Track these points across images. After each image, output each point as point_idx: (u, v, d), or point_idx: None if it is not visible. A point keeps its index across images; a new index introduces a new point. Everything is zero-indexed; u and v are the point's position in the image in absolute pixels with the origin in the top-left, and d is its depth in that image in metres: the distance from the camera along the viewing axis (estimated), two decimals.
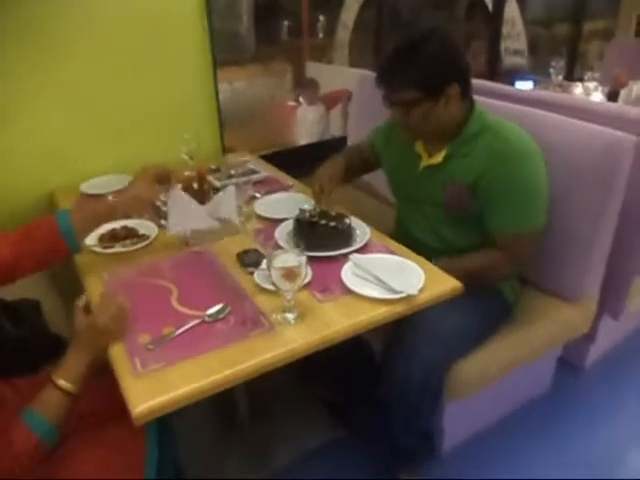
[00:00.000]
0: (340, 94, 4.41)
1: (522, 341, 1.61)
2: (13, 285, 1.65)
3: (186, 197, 1.41)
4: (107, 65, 1.86)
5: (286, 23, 5.69)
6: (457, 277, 1.28)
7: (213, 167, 1.86)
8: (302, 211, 1.46)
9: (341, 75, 4.98)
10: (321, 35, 5.83)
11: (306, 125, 4.26)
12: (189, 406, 0.98)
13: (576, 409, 1.93)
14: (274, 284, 1.10)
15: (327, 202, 1.53)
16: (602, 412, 1.92)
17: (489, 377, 1.57)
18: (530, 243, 1.47)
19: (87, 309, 1.14)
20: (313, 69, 5.20)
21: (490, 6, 4.08)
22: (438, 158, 1.49)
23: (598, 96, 2.69)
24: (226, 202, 1.46)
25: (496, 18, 3.19)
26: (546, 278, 1.72)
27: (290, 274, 1.07)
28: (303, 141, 4.13)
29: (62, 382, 1.04)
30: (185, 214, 1.39)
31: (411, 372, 1.41)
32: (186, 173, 1.66)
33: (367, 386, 1.83)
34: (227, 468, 1.70)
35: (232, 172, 1.71)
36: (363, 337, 1.72)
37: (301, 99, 4.41)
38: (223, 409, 1.84)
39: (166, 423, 1.28)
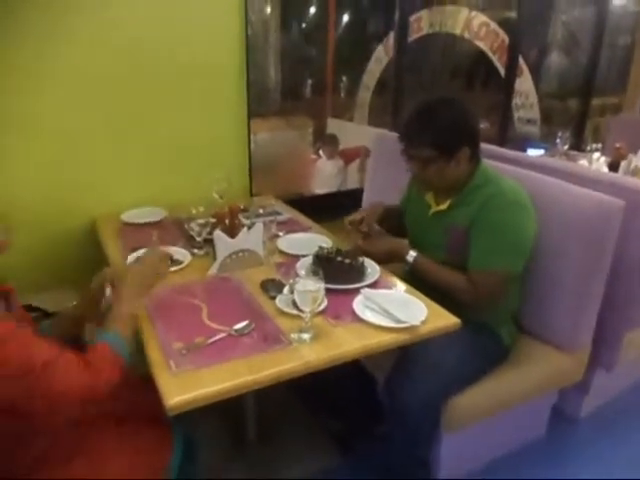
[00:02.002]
0: (358, 150, 4.67)
1: (516, 382, 1.74)
2: (53, 299, 1.85)
3: (226, 238, 1.60)
4: (152, 107, 2.10)
5: (310, 81, 6.07)
6: (425, 277, 1.61)
7: (242, 206, 2.05)
8: (321, 248, 1.63)
9: (360, 133, 5.26)
10: (343, 94, 6.19)
11: (325, 177, 4.50)
12: (201, 423, 1.10)
13: (569, 458, 2.00)
14: (295, 305, 1.26)
15: (367, 226, 1.73)
16: (594, 462, 1.99)
17: (484, 412, 1.69)
18: (496, 283, 1.60)
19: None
20: (334, 125, 5.47)
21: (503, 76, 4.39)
22: (444, 205, 1.68)
23: (601, 166, 2.88)
24: (254, 236, 1.64)
25: (508, 89, 3.46)
26: (541, 326, 1.85)
27: (310, 296, 1.23)
28: (321, 191, 4.35)
29: (125, 309, 1.21)
30: (225, 250, 1.59)
31: (411, 400, 1.54)
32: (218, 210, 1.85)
33: (369, 417, 1.95)
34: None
35: (261, 211, 1.90)
36: (367, 370, 1.87)
37: (321, 152, 4.67)
38: (232, 430, 1.96)
39: (191, 437, 1.41)
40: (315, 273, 1.28)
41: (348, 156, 4.65)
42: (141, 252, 1.67)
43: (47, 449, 1.17)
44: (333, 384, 1.84)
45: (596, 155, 3.08)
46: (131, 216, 2.02)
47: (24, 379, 0.98)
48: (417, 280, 1.64)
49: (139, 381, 1.46)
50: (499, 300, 1.66)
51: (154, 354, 1.23)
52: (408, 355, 1.60)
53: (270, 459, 1.90)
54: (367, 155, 4.70)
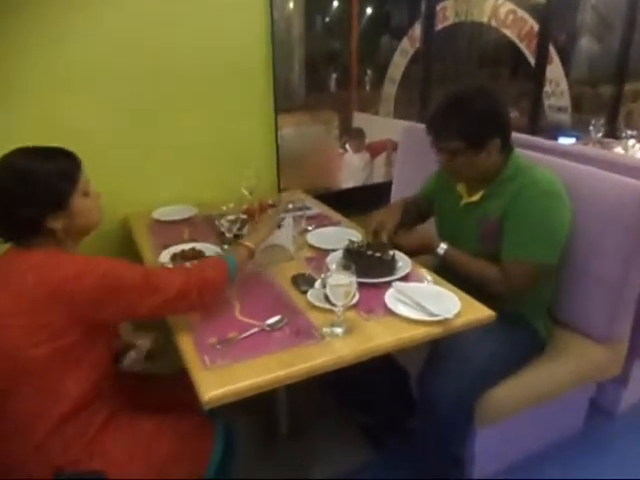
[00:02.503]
0: (385, 144, 4.64)
1: (552, 375, 1.71)
2: None
3: None
4: (180, 106, 2.11)
5: (334, 75, 6.04)
6: (456, 269, 1.60)
7: (270, 202, 2.06)
8: (351, 242, 1.62)
9: (386, 126, 5.22)
10: (368, 88, 6.15)
11: (351, 171, 4.48)
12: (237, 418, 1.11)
13: (606, 454, 1.96)
14: (328, 299, 1.26)
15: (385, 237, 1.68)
16: (633, 459, 1.94)
17: (519, 405, 1.66)
18: (530, 273, 1.57)
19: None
20: (360, 119, 5.44)
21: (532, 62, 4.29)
22: (476, 197, 1.65)
23: (636, 153, 2.80)
24: (284, 232, 1.64)
25: (538, 77, 3.38)
26: (577, 318, 1.81)
27: (343, 290, 1.23)
28: (348, 185, 4.34)
29: (248, 243, 1.46)
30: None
31: (444, 395, 1.52)
32: (246, 206, 1.86)
33: (401, 412, 1.94)
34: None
35: (290, 206, 1.90)
36: (399, 364, 1.86)
37: (348, 146, 4.65)
38: (264, 425, 1.97)
39: (232, 428, 1.42)
40: (347, 267, 1.27)
41: (374, 150, 4.62)
42: (172, 249, 1.70)
43: (82, 434, 1.19)
44: (364, 378, 1.83)
45: (631, 142, 3.00)
46: (162, 214, 2.05)
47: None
48: (448, 272, 1.61)
49: (177, 373, 1.49)
50: (533, 291, 1.64)
51: (188, 349, 1.24)
52: (441, 349, 1.58)
53: (301, 455, 1.91)
54: (393, 148, 4.67)
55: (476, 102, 1.54)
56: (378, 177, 4.49)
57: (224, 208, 1.76)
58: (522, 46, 4.36)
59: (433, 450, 1.65)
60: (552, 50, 3.98)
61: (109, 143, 2.03)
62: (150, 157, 2.12)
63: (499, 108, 1.60)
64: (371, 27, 6.13)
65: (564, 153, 1.94)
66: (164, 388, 1.53)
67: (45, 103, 1.90)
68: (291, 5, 5.36)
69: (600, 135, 3.02)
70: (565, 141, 3.21)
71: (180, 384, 1.46)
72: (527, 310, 1.72)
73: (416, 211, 1.90)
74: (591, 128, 3.02)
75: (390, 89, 5.75)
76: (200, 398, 1.10)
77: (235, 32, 2.12)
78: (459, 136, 1.54)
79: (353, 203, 2.43)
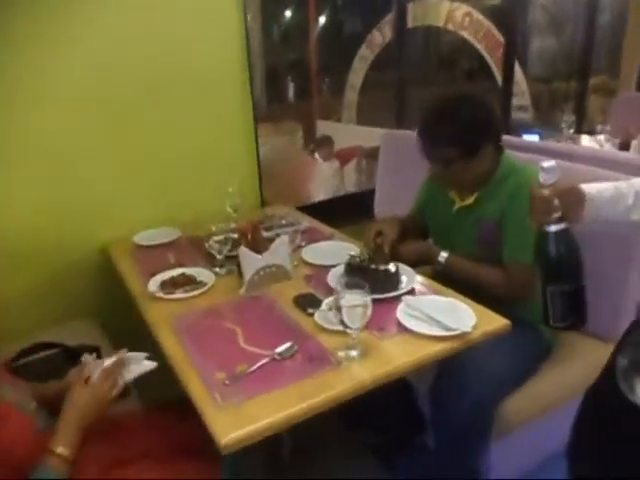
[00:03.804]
0: (354, 150, 4.60)
1: (563, 378, 1.67)
2: (71, 332, 1.74)
3: (252, 254, 1.51)
4: (158, 125, 1.99)
5: (295, 84, 5.99)
6: (458, 275, 1.55)
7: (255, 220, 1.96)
8: (352, 257, 1.55)
9: (351, 133, 5.19)
10: (329, 95, 6.13)
11: (323, 180, 4.42)
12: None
13: None
14: (342, 322, 1.18)
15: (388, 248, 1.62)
16: None
17: (533, 414, 1.62)
18: (533, 275, 1.51)
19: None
20: (323, 127, 5.40)
21: (492, 66, 4.34)
22: (470, 200, 1.62)
23: (609, 148, 2.83)
24: (280, 250, 1.56)
25: (508, 77, 3.40)
26: None
27: (360, 311, 1.15)
28: (320, 195, 4.27)
29: (61, 449, 1.05)
30: (252, 267, 1.50)
31: (462, 410, 1.46)
32: (234, 225, 1.76)
33: (410, 428, 1.87)
34: None
35: (283, 222, 1.81)
36: (406, 380, 1.79)
37: (317, 155, 4.59)
38: (266, 448, 1.86)
39: (238, 465, 1.32)
40: (359, 285, 1.19)
41: (344, 157, 4.58)
42: (160, 276, 1.59)
43: None
44: (369, 395, 1.75)
45: (601, 137, 3.04)
46: (144, 238, 1.92)
47: None
48: (447, 281, 1.56)
49: (177, 417, 1.38)
50: (535, 293, 1.60)
51: (195, 387, 1.14)
52: (453, 361, 1.51)
53: (306, 477, 1.82)
54: (363, 155, 4.65)
55: (466, 109, 1.52)
56: (349, 185, 4.44)
57: (213, 228, 1.66)
58: (480, 47, 4.41)
59: (450, 465, 1.58)
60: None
61: (84, 165, 1.90)
62: (128, 178, 2.00)
63: (489, 114, 1.58)
64: (329, 35, 6.12)
65: (552, 152, 1.92)
66: (158, 429, 1.41)
67: (14, 121, 1.76)
68: (249, 17, 5.29)
69: (572, 131, 3.05)
70: (529, 138, 3.24)
71: (177, 426, 1.37)
72: (531, 313, 1.67)
73: (413, 228, 1.84)
74: (563, 125, 3.04)
75: (352, 96, 5.73)
76: (216, 443, 1.01)
77: (210, 46, 2.02)
78: (452, 144, 1.51)
79: (337, 214, 2.36)
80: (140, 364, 1.26)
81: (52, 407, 1.19)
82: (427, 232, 1.90)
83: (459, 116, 1.51)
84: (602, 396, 1.18)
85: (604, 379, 1.18)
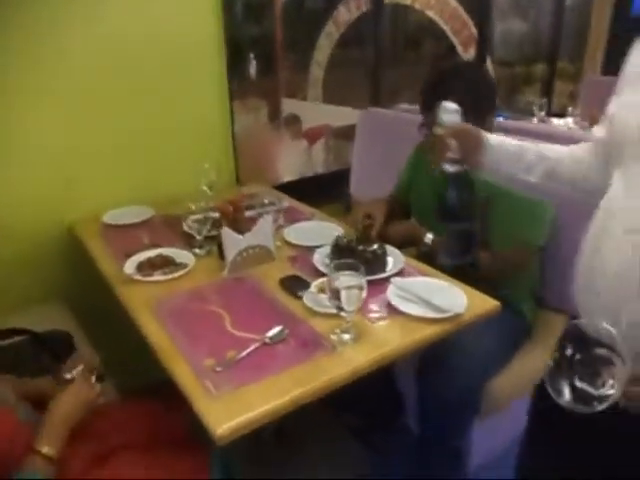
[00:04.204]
0: (322, 129, 4.53)
1: (544, 358, 1.68)
2: (39, 317, 1.65)
3: (235, 235, 1.44)
4: (125, 94, 1.87)
5: (259, 61, 5.84)
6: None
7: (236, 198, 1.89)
8: (339, 237, 1.50)
9: (318, 111, 5.11)
10: (294, 73, 6.01)
11: (291, 160, 4.35)
12: None
13: None
14: (338, 305, 1.13)
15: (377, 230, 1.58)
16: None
17: (516, 393, 1.62)
18: (521, 255, 1.56)
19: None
20: (289, 105, 5.31)
21: (458, 47, 4.33)
22: None
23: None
24: (263, 230, 1.50)
25: (481, 56, 3.42)
26: (563, 299, 1.80)
27: (357, 293, 1.11)
28: (289, 175, 4.20)
29: (47, 449, 1.00)
30: (234, 248, 1.44)
31: (451, 392, 1.45)
32: (213, 204, 1.69)
33: (391, 411, 1.86)
34: None
35: (266, 201, 1.75)
36: None
37: (284, 134, 4.51)
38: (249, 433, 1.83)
39: (230, 464, 1.27)
40: (354, 267, 1.15)
41: (312, 137, 4.51)
42: (136, 257, 1.51)
43: None
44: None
45: (569, 119, 3.09)
46: (114, 217, 1.82)
47: None
48: (432, 262, 1.54)
49: (158, 405, 1.32)
50: (519, 273, 1.61)
51: (185, 376, 1.08)
52: (441, 345, 1.50)
53: (290, 461, 1.80)
54: (331, 134, 4.58)
55: (478, 71, 1.50)
56: (318, 165, 4.38)
57: (192, 207, 1.58)
58: (447, 28, 4.39)
59: (438, 445, 1.58)
60: (474, 32, 4.01)
61: (48, 142, 1.78)
62: (97, 155, 1.87)
63: (494, 82, 1.57)
64: (293, 10, 5.98)
65: (533, 133, 1.91)
66: (139, 418, 1.35)
67: None
68: None
69: (543, 114, 3.07)
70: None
71: (164, 415, 1.31)
72: (513, 293, 1.68)
73: (396, 208, 1.81)
74: (535, 107, 3.07)
75: (317, 73, 5.64)
76: (211, 433, 0.95)
77: (185, 20, 1.91)
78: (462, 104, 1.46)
79: (305, 194, 2.30)
80: None
81: (34, 402, 1.12)
82: (409, 212, 1.87)
83: (471, 75, 1.50)
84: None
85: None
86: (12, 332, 1.51)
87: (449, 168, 1.07)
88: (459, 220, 1.08)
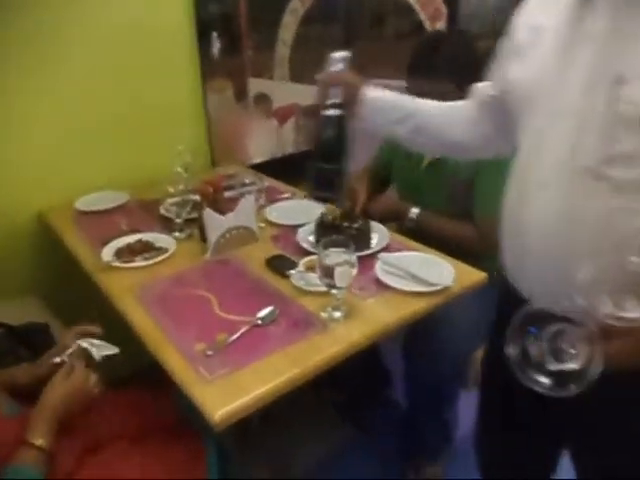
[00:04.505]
0: (292, 108, 4.46)
1: None
2: (12, 310, 1.59)
3: (217, 216, 1.41)
4: (96, 76, 1.79)
5: (218, 41, 5.70)
6: (429, 231, 1.53)
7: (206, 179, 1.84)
8: (324, 215, 1.48)
9: (286, 90, 5.01)
10: (260, 52, 5.89)
11: (261, 139, 4.27)
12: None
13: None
14: (328, 283, 1.12)
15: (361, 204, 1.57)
16: None
17: None
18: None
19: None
20: (256, 85, 5.19)
21: (426, 23, 4.31)
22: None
23: None
24: (246, 211, 1.46)
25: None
26: None
27: (348, 269, 1.10)
28: (261, 155, 4.13)
29: (40, 441, 0.97)
30: (217, 230, 1.41)
31: (439, 364, 1.47)
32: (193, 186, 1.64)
33: (375, 385, 1.87)
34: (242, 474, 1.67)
35: (247, 181, 1.71)
36: None
37: (254, 114, 4.41)
38: None
39: (225, 448, 1.25)
40: (344, 244, 1.13)
41: (281, 116, 4.42)
42: (114, 243, 1.46)
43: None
44: None
45: None
46: (87, 203, 1.75)
47: None
48: (415, 237, 1.54)
49: (146, 393, 1.30)
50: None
51: (176, 362, 1.05)
52: (427, 320, 1.51)
53: (278, 441, 1.79)
54: (301, 113, 4.51)
55: (463, 42, 1.48)
56: (288, 145, 4.32)
57: (171, 190, 1.53)
58: (413, 2, 4.34)
59: (426, 418, 1.60)
60: (443, 5, 3.98)
61: (14, 124, 1.69)
62: (69, 140, 1.79)
63: (477, 54, 1.52)
64: None
65: None
66: (128, 407, 1.31)
67: None
68: None
69: None
70: None
71: (152, 403, 1.29)
72: (497, 265, 1.70)
73: (378, 182, 1.80)
74: None
75: (283, 51, 5.53)
76: (209, 420, 0.93)
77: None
78: (449, 77, 1.44)
79: (278, 174, 2.27)
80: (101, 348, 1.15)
81: (19, 392, 1.08)
82: (386, 186, 1.86)
83: (458, 46, 1.47)
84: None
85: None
86: None
87: (328, 112, 1.11)
88: (329, 160, 1.13)
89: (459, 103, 1.14)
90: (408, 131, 1.13)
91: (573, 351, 0.67)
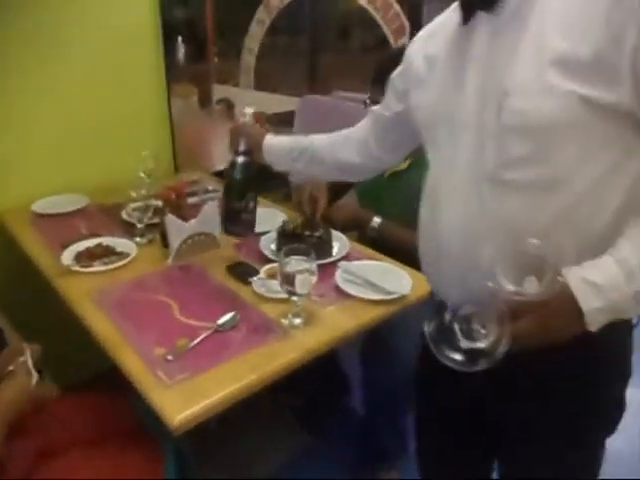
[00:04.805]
0: (257, 116, 4.47)
1: None
2: None
3: (180, 222, 1.42)
4: (62, 80, 1.79)
5: (189, 46, 5.68)
6: (391, 241, 1.57)
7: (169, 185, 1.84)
8: (285, 223, 1.51)
9: (251, 98, 5.03)
10: (225, 59, 5.90)
11: (225, 146, 4.27)
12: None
13: None
14: (289, 290, 1.14)
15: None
16: None
17: None
18: None
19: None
20: (221, 92, 5.20)
21: (390, 39, 4.40)
22: (403, 165, 1.62)
23: None
24: (209, 217, 1.47)
25: None
26: None
27: (308, 277, 1.12)
28: (224, 162, 4.12)
29: None
30: (179, 236, 1.41)
31: (395, 371, 1.50)
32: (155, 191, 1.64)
33: (334, 392, 1.90)
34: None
35: (210, 187, 1.72)
36: None
37: (218, 121, 4.41)
38: None
39: (183, 453, 1.25)
40: (304, 252, 1.15)
41: None
42: (74, 247, 1.45)
43: None
44: None
45: None
46: (45, 206, 1.73)
47: None
48: (379, 247, 1.58)
49: (103, 397, 1.29)
50: None
51: (134, 365, 1.05)
52: (383, 328, 1.55)
53: (236, 448, 1.79)
54: (265, 121, 4.54)
55: None
56: None
57: (133, 194, 1.53)
58: (378, 17, 4.43)
59: (383, 425, 1.63)
60: (405, 20, 4.07)
61: None
62: (23, 141, 1.76)
63: None
64: None
65: None
66: (83, 412, 1.30)
67: None
68: None
69: None
70: None
71: (109, 407, 1.28)
72: None
73: (339, 191, 1.83)
74: None
75: (249, 60, 5.56)
76: (167, 424, 0.94)
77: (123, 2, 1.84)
78: None
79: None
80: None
81: None
82: (344, 192, 1.89)
83: None
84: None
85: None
86: None
87: (236, 158, 1.30)
88: (237, 199, 1.30)
89: (351, 129, 1.26)
90: (305, 164, 1.29)
91: (483, 331, 0.74)
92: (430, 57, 0.92)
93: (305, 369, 1.91)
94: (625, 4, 0.65)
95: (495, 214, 0.80)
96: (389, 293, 1.29)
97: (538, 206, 0.76)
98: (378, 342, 1.56)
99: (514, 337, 0.71)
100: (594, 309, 0.69)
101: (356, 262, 1.44)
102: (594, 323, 0.70)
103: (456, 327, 0.75)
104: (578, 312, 0.69)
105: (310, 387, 1.96)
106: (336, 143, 1.26)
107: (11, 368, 1.06)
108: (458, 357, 0.75)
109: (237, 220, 1.33)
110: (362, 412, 1.76)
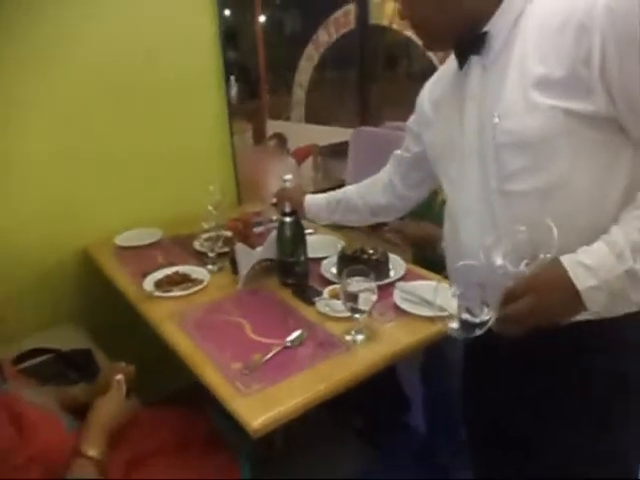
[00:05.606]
0: (310, 148, 4.66)
1: None
2: (57, 337, 1.72)
3: (248, 250, 1.57)
4: (134, 125, 1.99)
5: (243, 85, 5.99)
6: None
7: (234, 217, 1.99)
8: (344, 248, 1.62)
9: (303, 131, 5.24)
10: (277, 95, 6.18)
11: (279, 178, 4.45)
12: None
13: None
14: (352, 308, 1.24)
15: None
16: None
17: None
18: None
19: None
20: (274, 126, 5.43)
21: (438, 66, 4.51)
22: None
23: None
24: (274, 245, 1.60)
25: None
26: None
27: (370, 295, 1.22)
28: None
29: (92, 452, 1.08)
30: (248, 263, 1.55)
31: (456, 386, 1.56)
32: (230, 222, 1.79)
33: (395, 410, 1.96)
34: None
35: (274, 217, 1.86)
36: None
37: (272, 154, 4.61)
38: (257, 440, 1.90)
39: (256, 464, 1.36)
40: (363, 273, 1.25)
41: (300, 155, 4.63)
42: (154, 275, 1.61)
43: None
44: None
45: None
46: (126, 239, 1.91)
47: None
48: (438, 267, 1.65)
49: (183, 410, 1.40)
50: None
51: (214, 378, 1.17)
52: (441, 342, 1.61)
53: (300, 466, 1.87)
54: (318, 153, 4.71)
55: None
56: (307, 183, 4.50)
57: (205, 226, 1.68)
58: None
59: (443, 441, 1.68)
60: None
61: (60, 167, 1.87)
62: (105, 180, 1.97)
63: None
64: (275, 35, 6.16)
65: None
66: (167, 424, 1.43)
67: None
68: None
69: None
70: None
71: (188, 418, 1.39)
72: None
73: None
74: None
75: (300, 94, 5.79)
76: (247, 427, 1.05)
77: (186, 45, 2.04)
78: None
79: None
80: None
81: (76, 410, 1.20)
82: None
83: None
84: None
85: None
86: (35, 352, 1.59)
87: (285, 219, 1.50)
88: (289, 255, 1.50)
89: (377, 174, 1.45)
90: (341, 214, 1.52)
91: (486, 309, 0.87)
92: (435, 101, 1.08)
93: (368, 388, 2.00)
94: (590, 33, 0.75)
95: (505, 222, 0.90)
96: (445, 310, 1.36)
97: (543, 210, 0.85)
98: (437, 359, 1.62)
99: (515, 318, 0.80)
100: (589, 287, 0.76)
101: (412, 282, 1.52)
102: (593, 302, 0.76)
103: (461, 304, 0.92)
104: (575, 292, 0.76)
105: (373, 406, 2.03)
106: (364, 189, 1.47)
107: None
108: (456, 326, 0.93)
109: (292, 273, 1.52)
110: (423, 431, 1.81)
